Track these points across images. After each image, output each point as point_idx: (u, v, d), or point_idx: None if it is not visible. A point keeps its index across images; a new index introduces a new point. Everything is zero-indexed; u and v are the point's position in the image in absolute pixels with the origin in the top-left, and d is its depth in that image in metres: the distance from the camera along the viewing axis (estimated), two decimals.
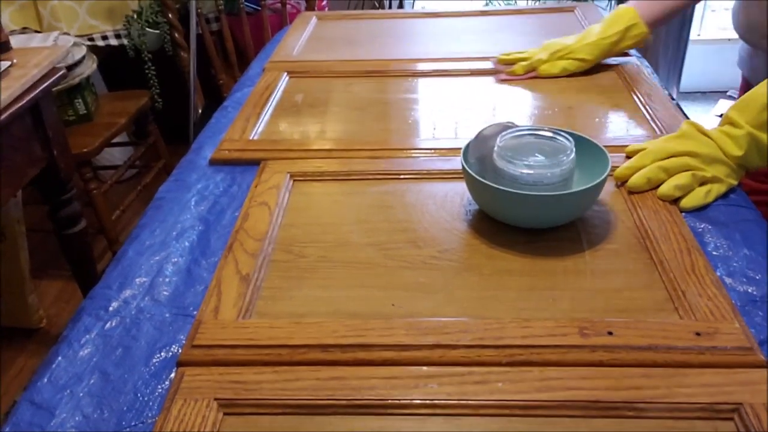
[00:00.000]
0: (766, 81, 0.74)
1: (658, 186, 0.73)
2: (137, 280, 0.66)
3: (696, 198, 0.72)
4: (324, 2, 2.29)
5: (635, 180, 0.74)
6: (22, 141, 1.23)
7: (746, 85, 1.06)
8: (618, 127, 0.88)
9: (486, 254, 0.65)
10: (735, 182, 0.75)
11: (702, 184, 0.74)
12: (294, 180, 0.79)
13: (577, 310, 0.57)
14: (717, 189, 0.74)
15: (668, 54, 2.39)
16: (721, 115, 1.06)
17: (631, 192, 0.74)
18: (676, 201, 0.72)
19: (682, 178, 0.73)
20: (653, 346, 0.53)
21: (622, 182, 0.75)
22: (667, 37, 2.41)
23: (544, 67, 1.04)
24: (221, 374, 0.52)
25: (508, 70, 1.06)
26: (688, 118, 0.88)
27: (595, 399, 0.49)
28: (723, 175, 0.74)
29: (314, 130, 0.93)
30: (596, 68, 1.05)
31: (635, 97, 0.95)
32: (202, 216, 0.75)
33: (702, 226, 0.68)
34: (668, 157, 0.75)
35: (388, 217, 0.72)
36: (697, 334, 0.53)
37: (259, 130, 0.92)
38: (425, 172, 0.79)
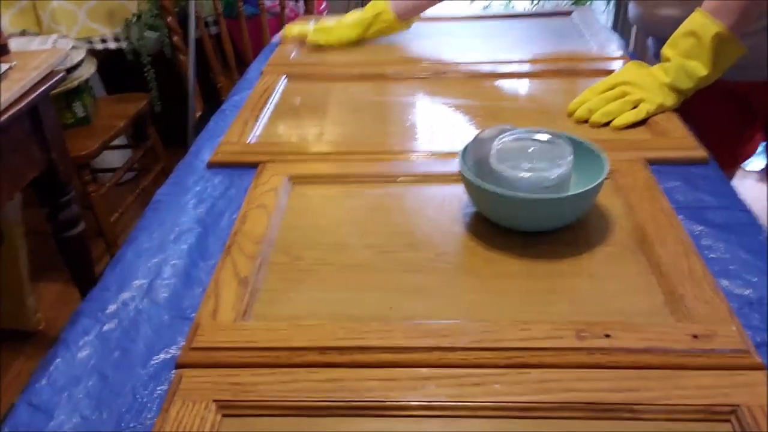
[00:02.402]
0: (688, 18, 0.87)
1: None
2: (135, 282, 0.66)
3: (626, 117, 0.87)
4: (322, 6, 2.29)
5: (580, 112, 0.90)
6: (20, 143, 1.23)
7: None
8: (615, 130, 0.88)
9: (483, 257, 0.65)
10: (668, 103, 0.88)
11: (635, 107, 0.88)
12: (292, 183, 0.80)
13: (575, 313, 0.58)
14: (647, 107, 0.87)
15: None
16: None
17: (578, 121, 0.90)
18: (609, 123, 0.88)
19: (611, 106, 0.88)
20: (650, 348, 0.53)
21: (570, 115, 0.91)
22: None
23: (311, 37, 1.23)
24: (220, 376, 0.52)
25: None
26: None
27: (592, 401, 0.49)
28: (654, 96, 0.88)
29: (312, 133, 0.93)
30: (592, 72, 1.05)
31: None
32: (201, 218, 0.75)
33: (699, 229, 0.69)
34: (609, 89, 0.90)
35: (386, 220, 0.72)
36: (695, 336, 0.53)
37: (257, 133, 0.93)
38: (423, 175, 0.79)
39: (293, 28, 1.28)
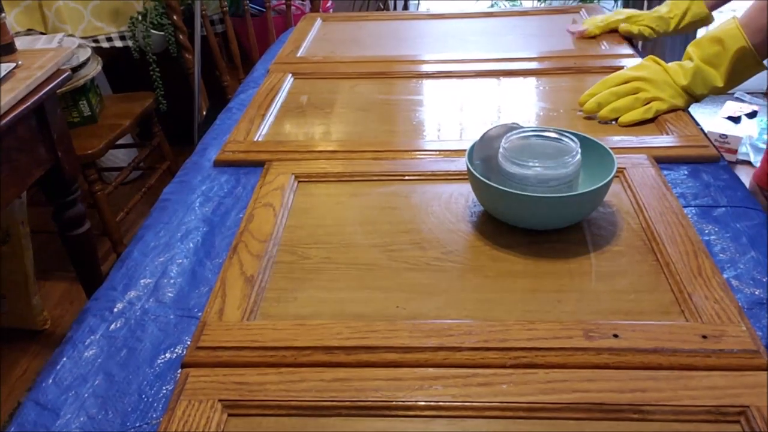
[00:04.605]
0: (722, 23, 0.85)
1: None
2: (142, 281, 0.66)
3: (634, 114, 0.86)
4: (329, 4, 2.29)
5: (588, 105, 0.88)
6: (26, 142, 1.23)
7: None
8: (624, 128, 0.88)
9: (490, 256, 0.65)
10: (680, 104, 0.87)
11: (646, 104, 0.86)
12: (298, 181, 0.79)
13: (583, 313, 0.57)
14: (657, 106, 0.86)
15: (674, 55, 2.38)
16: (728, 117, 1.05)
17: (588, 117, 0.88)
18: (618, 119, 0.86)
19: (621, 102, 0.86)
20: (659, 348, 0.52)
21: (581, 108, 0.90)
22: (673, 38, 2.41)
23: (624, 26, 1.17)
24: (225, 375, 0.52)
25: (582, 30, 1.20)
26: (693, 120, 0.88)
27: (600, 401, 0.48)
28: (667, 96, 0.87)
29: (319, 132, 0.93)
30: (601, 69, 1.05)
31: None
32: (207, 217, 0.75)
33: (709, 228, 0.68)
34: (622, 83, 0.88)
35: (393, 219, 0.72)
36: (704, 336, 0.53)
37: (264, 131, 0.92)
38: (430, 173, 0.79)
39: (594, 29, 1.19)
